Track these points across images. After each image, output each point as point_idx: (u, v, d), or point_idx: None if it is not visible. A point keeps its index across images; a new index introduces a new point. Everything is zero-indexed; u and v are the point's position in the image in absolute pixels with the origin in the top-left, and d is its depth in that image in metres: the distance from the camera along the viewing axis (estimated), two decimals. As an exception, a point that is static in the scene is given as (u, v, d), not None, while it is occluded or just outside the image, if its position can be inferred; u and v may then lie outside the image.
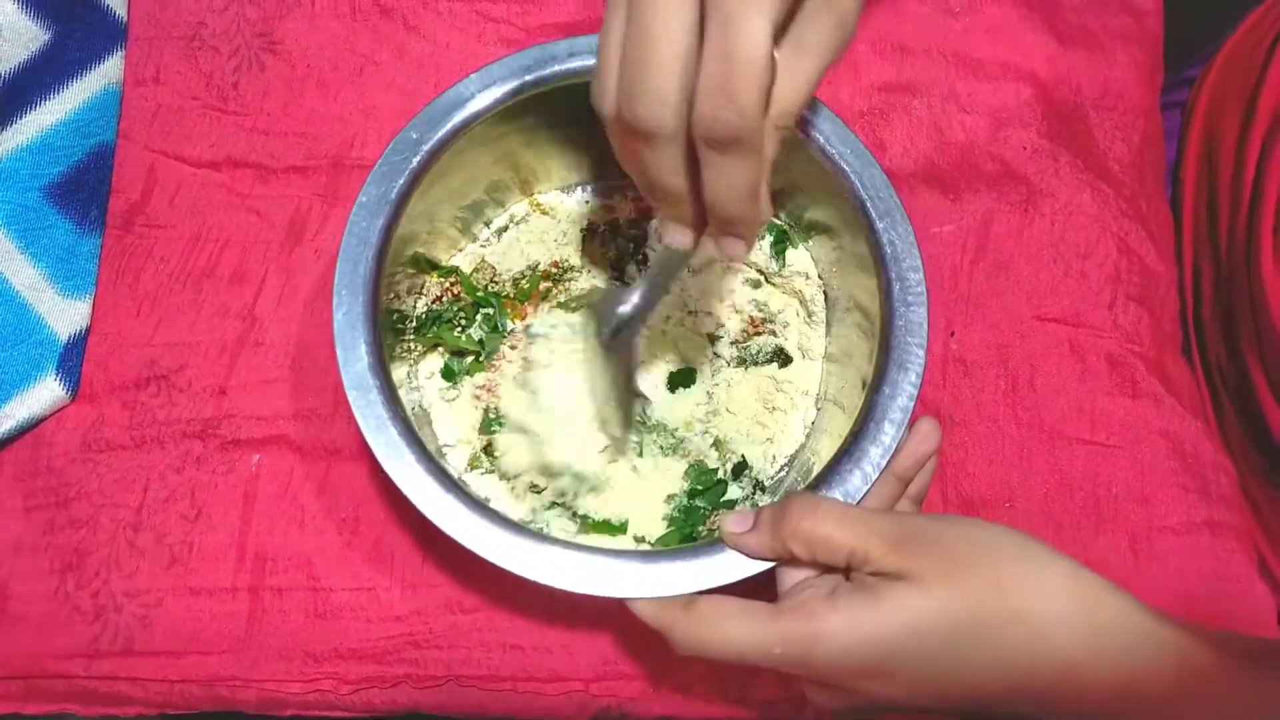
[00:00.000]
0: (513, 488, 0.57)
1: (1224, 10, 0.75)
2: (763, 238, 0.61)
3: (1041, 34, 0.71)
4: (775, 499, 0.57)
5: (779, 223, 0.62)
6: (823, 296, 0.61)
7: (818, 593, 0.43)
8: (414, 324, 0.59)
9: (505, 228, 0.62)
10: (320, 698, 0.57)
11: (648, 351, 0.60)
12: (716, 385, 0.60)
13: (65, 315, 0.60)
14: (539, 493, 0.57)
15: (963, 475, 0.62)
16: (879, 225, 0.53)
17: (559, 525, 0.57)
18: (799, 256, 0.62)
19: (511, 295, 0.61)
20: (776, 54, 0.38)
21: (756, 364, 0.61)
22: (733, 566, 0.47)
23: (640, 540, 0.57)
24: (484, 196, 0.60)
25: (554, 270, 0.61)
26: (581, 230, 0.62)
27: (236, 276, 0.62)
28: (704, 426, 0.59)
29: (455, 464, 0.58)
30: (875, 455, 0.49)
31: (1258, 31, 0.71)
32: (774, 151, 0.41)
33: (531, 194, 0.63)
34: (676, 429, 0.59)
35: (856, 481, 0.49)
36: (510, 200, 0.62)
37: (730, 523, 0.47)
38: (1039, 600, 0.41)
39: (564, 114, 0.55)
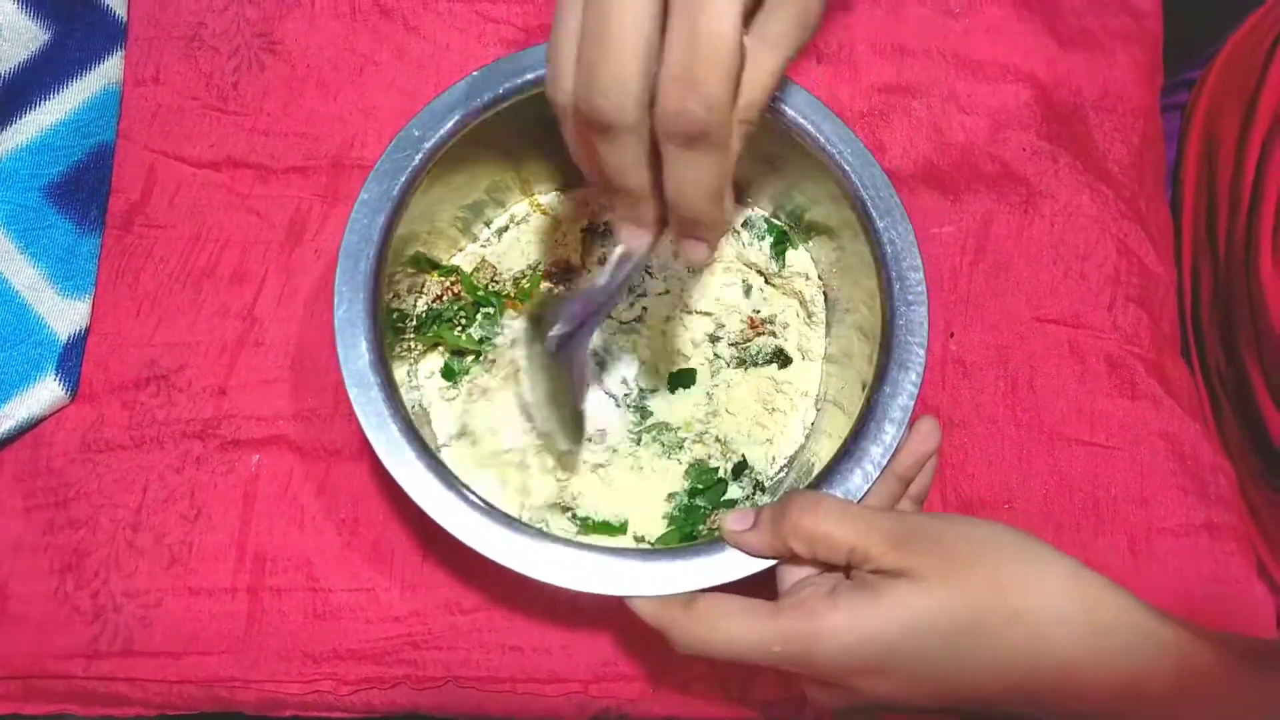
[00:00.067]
0: (507, 481, 0.57)
1: (1224, 12, 0.75)
2: (762, 238, 0.61)
3: (1041, 35, 0.71)
4: (775, 499, 0.57)
5: (779, 224, 0.62)
6: (822, 297, 0.61)
7: (818, 591, 0.43)
8: (414, 323, 0.59)
9: (506, 227, 0.62)
10: (319, 698, 0.57)
11: (648, 351, 0.60)
12: (716, 386, 0.60)
13: (65, 315, 0.60)
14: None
15: (962, 476, 0.62)
16: (879, 224, 0.53)
17: (558, 525, 0.57)
18: (799, 257, 0.62)
19: (512, 295, 0.61)
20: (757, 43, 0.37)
21: (756, 365, 0.61)
22: (733, 565, 0.47)
23: (640, 540, 0.57)
24: (484, 196, 0.60)
25: (555, 270, 0.61)
26: (581, 230, 0.62)
27: (236, 277, 0.62)
28: (704, 427, 0.60)
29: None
30: (876, 454, 0.49)
31: (1258, 33, 0.71)
32: (738, 148, 0.40)
33: (531, 194, 0.63)
34: (678, 428, 0.59)
35: (857, 480, 0.49)
36: (510, 200, 0.62)
37: (731, 521, 0.47)
38: (1039, 599, 0.41)
39: None
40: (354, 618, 0.57)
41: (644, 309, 0.61)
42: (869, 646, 0.41)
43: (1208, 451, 0.64)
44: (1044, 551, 0.43)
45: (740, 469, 0.59)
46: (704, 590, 0.46)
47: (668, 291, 0.61)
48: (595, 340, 0.60)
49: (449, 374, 0.59)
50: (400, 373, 0.55)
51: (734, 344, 0.61)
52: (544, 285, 0.61)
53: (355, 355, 0.49)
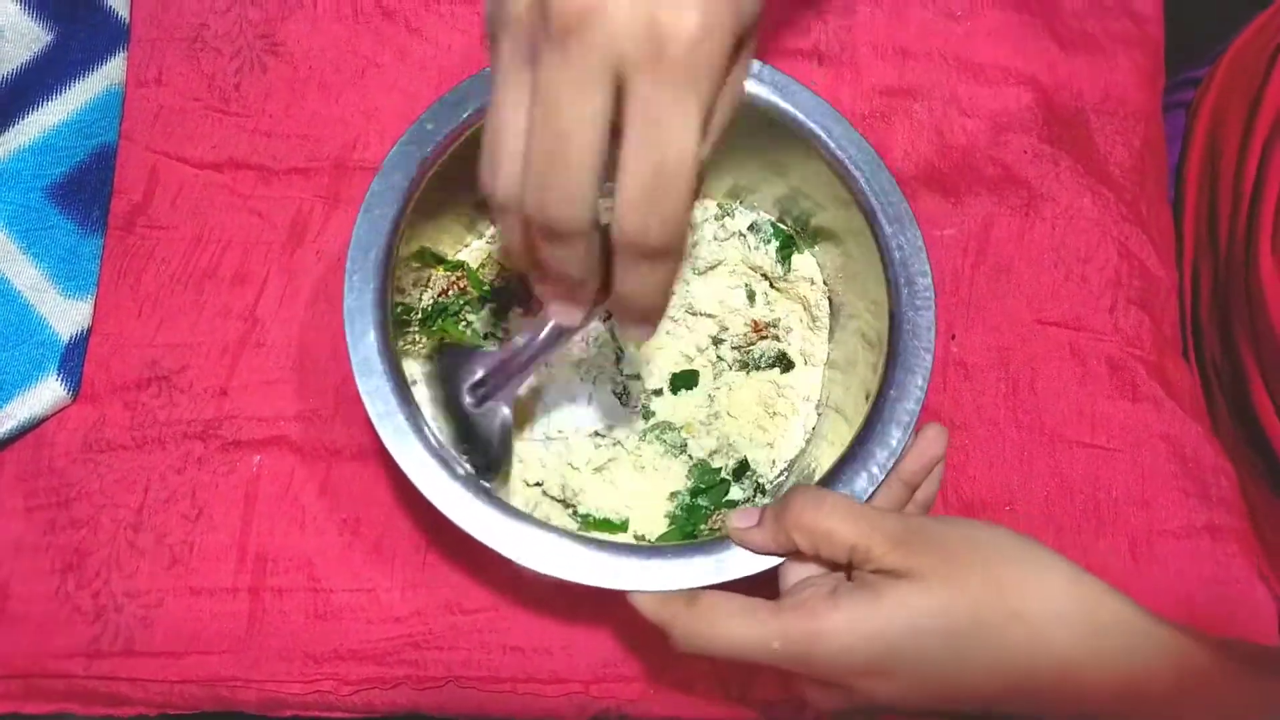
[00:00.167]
0: (515, 480, 0.57)
1: (1225, 16, 0.75)
2: (768, 242, 0.62)
3: (1042, 38, 0.71)
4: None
5: (785, 228, 0.62)
6: (827, 303, 0.61)
7: (819, 591, 0.43)
8: (419, 315, 0.59)
9: None
10: (320, 698, 0.57)
11: (651, 350, 0.60)
12: (718, 389, 0.60)
13: (67, 316, 0.60)
14: (538, 486, 0.57)
15: (963, 478, 0.63)
16: (888, 230, 0.53)
17: (559, 521, 0.57)
18: (804, 262, 0.62)
19: (518, 291, 0.60)
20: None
21: (758, 368, 0.61)
22: (739, 562, 0.47)
23: (640, 539, 0.57)
24: None
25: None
26: None
27: (238, 278, 0.62)
28: (705, 429, 0.60)
29: None
30: (881, 457, 0.49)
31: (1264, 35, 0.71)
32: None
33: None
34: (680, 429, 0.59)
35: (863, 483, 0.49)
36: None
37: (736, 519, 0.47)
38: (1039, 601, 0.41)
39: None
40: (355, 618, 0.57)
41: None
42: (870, 646, 0.41)
43: (1209, 453, 0.64)
44: (1044, 554, 0.43)
45: (742, 470, 0.59)
46: (709, 588, 0.46)
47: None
48: (602, 331, 0.60)
49: None
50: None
51: (737, 347, 0.61)
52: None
53: (363, 344, 0.49)
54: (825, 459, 0.53)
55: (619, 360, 0.60)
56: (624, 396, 0.59)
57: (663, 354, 0.60)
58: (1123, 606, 0.42)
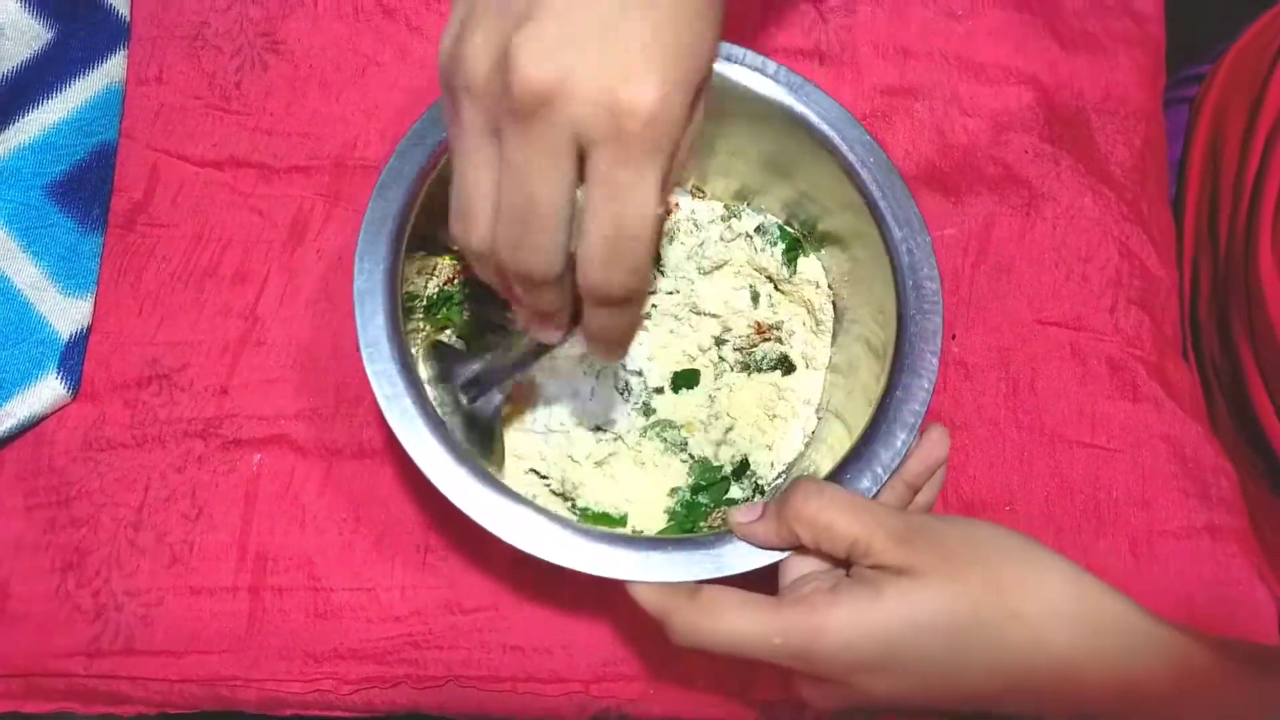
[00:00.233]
0: (516, 471, 0.57)
1: (1226, 15, 0.75)
2: (774, 244, 0.62)
3: (1043, 38, 0.71)
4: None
5: (792, 231, 0.62)
6: (831, 307, 0.61)
7: (820, 586, 0.43)
8: (424, 304, 0.59)
9: None
10: (320, 697, 0.57)
11: (654, 348, 0.60)
12: (719, 389, 0.60)
13: (67, 314, 0.60)
14: (542, 477, 0.57)
15: (963, 478, 0.63)
16: (898, 233, 0.53)
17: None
18: (810, 265, 0.62)
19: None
20: None
21: (760, 370, 0.61)
22: (739, 557, 0.47)
23: (638, 534, 0.57)
24: None
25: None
26: None
27: (239, 276, 0.62)
28: (705, 428, 0.60)
29: None
30: (886, 458, 0.49)
31: (1267, 34, 0.72)
32: None
33: None
34: (680, 427, 0.59)
35: (866, 483, 0.49)
36: None
37: (739, 514, 0.47)
38: (1039, 600, 0.41)
39: None
40: (355, 617, 0.57)
41: (653, 306, 0.61)
42: (870, 642, 0.41)
43: (1209, 454, 0.64)
44: (1044, 554, 0.43)
45: (742, 470, 0.59)
46: (711, 582, 0.45)
47: (676, 291, 0.61)
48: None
49: None
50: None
51: (739, 348, 0.61)
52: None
53: (372, 325, 0.49)
54: (824, 463, 0.53)
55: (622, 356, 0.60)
56: (626, 392, 0.59)
57: (665, 352, 0.60)
58: (1122, 606, 0.42)
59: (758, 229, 0.62)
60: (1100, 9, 0.73)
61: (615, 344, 0.42)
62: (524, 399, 0.58)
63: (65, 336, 0.60)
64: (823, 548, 0.44)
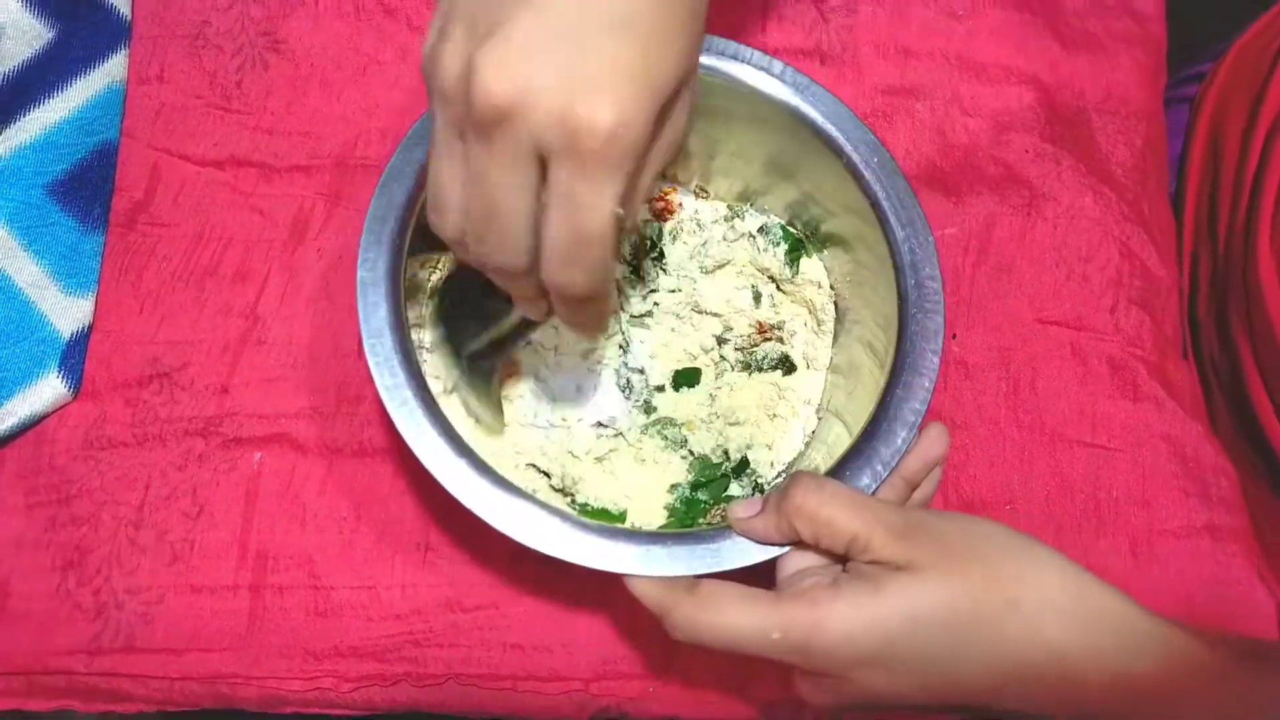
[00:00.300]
0: (516, 466, 0.57)
1: (1227, 15, 0.75)
2: (777, 244, 0.62)
3: (1044, 38, 0.71)
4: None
5: (795, 232, 0.62)
6: (833, 307, 0.61)
7: (820, 581, 0.43)
8: (425, 295, 0.58)
9: None
10: (320, 695, 0.57)
11: (656, 346, 0.60)
12: (719, 388, 0.60)
13: (68, 313, 0.60)
14: (542, 472, 0.57)
15: (963, 477, 0.63)
16: (900, 233, 0.53)
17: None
18: (812, 266, 0.62)
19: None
20: None
21: (761, 370, 0.61)
22: (738, 552, 0.47)
23: (638, 530, 0.57)
24: None
25: None
26: None
27: (239, 275, 0.62)
28: (706, 426, 0.60)
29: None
30: (886, 455, 0.49)
31: (1268, 33, 0.72)
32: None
33: None
34: (681, 425, 0.59)
35: (866, 480, 0.49)
36: None
37: (738, 509, 0.47)
38: (1035, 595, 0.41)
39: None
40: (355, 615, 0.57)
41: (655, 304, 0.61)
42: (870, 637, 0.41)
43: (1210, 453, 0.64)
44: (1041, 550, 0.43)
45: (742, 468, 0.59)
46: (704, 576, 0.45)
47: (679, 290, 0.61)
48: (611, 327, 0.60)
49: None
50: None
51: (740, 348, 0.61)
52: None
53: (375, 316, 0.49)
54: (824, 463, 0.53)
55: (625, 353, 0.60)
56: (627, 390, 0.60)
57: (667, 350, 0.61)
58: (1118, 602, 0.42)
59: (761, 229, 0.62)
60: (1101, 9, 0.73)
61: (588, 329, 0.45)
62: (527, 393, 0.58)
63: (66, 335, 0.60)
64: (822, 543, 0.44)
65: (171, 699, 0.57)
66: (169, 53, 0.66)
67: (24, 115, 0.63)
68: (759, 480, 0.59)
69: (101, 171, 0.63)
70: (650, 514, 0.58)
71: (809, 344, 0.61)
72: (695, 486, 0.58)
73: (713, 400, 0.60)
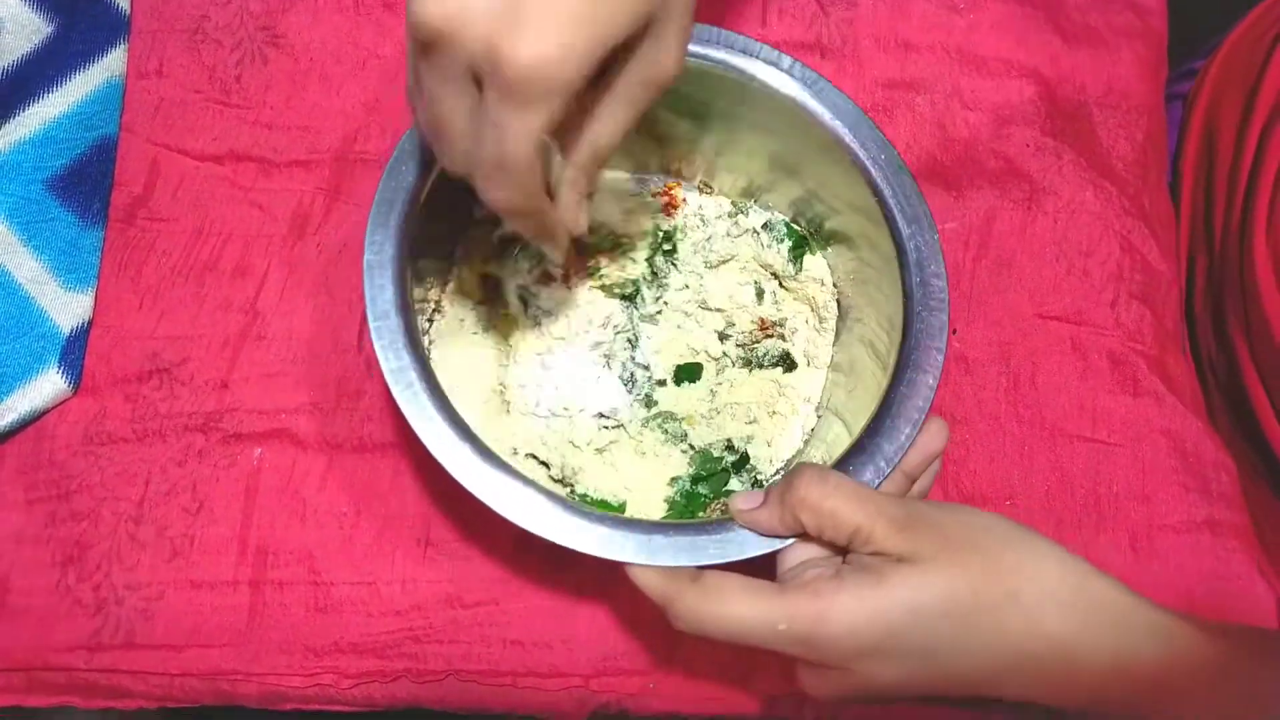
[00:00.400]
0: (515, 450, 0.57)
1: (1226, 8, 0.75)
2: (781, 241, 0.61)
3: (1045, 31, 0.71)
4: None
5: (799, 229, 0.62)
6: (835, 305, 0.61)
7: (823, 573, 0.43)
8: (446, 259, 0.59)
9: None
10: (320, 691, 0.57)
11: (661, 342, 0.60)
12: (720, 384, 0.60)
13: (67, 308, 0.60)
14: (542, 463, 0.57)
15: (964, 472, 0.63)
16: (906, 230, 0.53)
17: None
18: (815, 263, 0.62)
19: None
20: (602, 101, 0.42)
21: (761, 366, 0.61)
22: (745, 544, 0.46)
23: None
24: None
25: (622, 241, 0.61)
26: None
27: (239, 270, 0.62)
28: (706, 421, 0.60)
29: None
30: (890, 451, 0.49)
31: (1261, 25, 0.71)
32: (588, 187, 0.46)
33: None
34: (681, 419, 0.59)
35: (869, 475, 0.49)
36: None
37: (740, 501, 0.47)
38: (1035, 584, 0.42)
39: None
40: (355, 611, 0.57)
41: (665, 303, 0.61)
42: (873, 628, 0.41)
43: (1210, 448, 0.64)
44: (1040, 541, 0.43)
45: (742, 463, 0.59)
46: (712, 567, 0.45)
47: (687, 287, 0.61)
48: (621, 320, 0.60)
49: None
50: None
51: (742, 344, 0.61)
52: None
53: (381, 298, 0.49)
54: (823, 462, 0.53)
55: (633, 348, 0.60)
56: (630, 384, 0.59)
57: (671, 346, 0.60)
58: (1116, 592, 0.42)
59: (764, 225, 0.62)
60: (1102, 2, 0.73)
61: (542, 243, 0.49)
62: (529, 382, 0.58)
63: (66, 331, 0.60)
64: (825, 535, 0.44)
65: (171, 695, 0.57)
66: (168, 47, 0.66)
67: (23, 110, 0.63)
68: (758, 477, 0.59)
69: (101, 166, 0.63)
70: (650, 506, 0.58)
71: (810, 341, 0.61)
72: (696, 480, 0.58)
73: (713, 396, 0.60)
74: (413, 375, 0.48)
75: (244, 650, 0.56)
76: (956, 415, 0.63)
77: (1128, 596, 0.42)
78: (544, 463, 0.58)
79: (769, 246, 0.62)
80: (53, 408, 0.59)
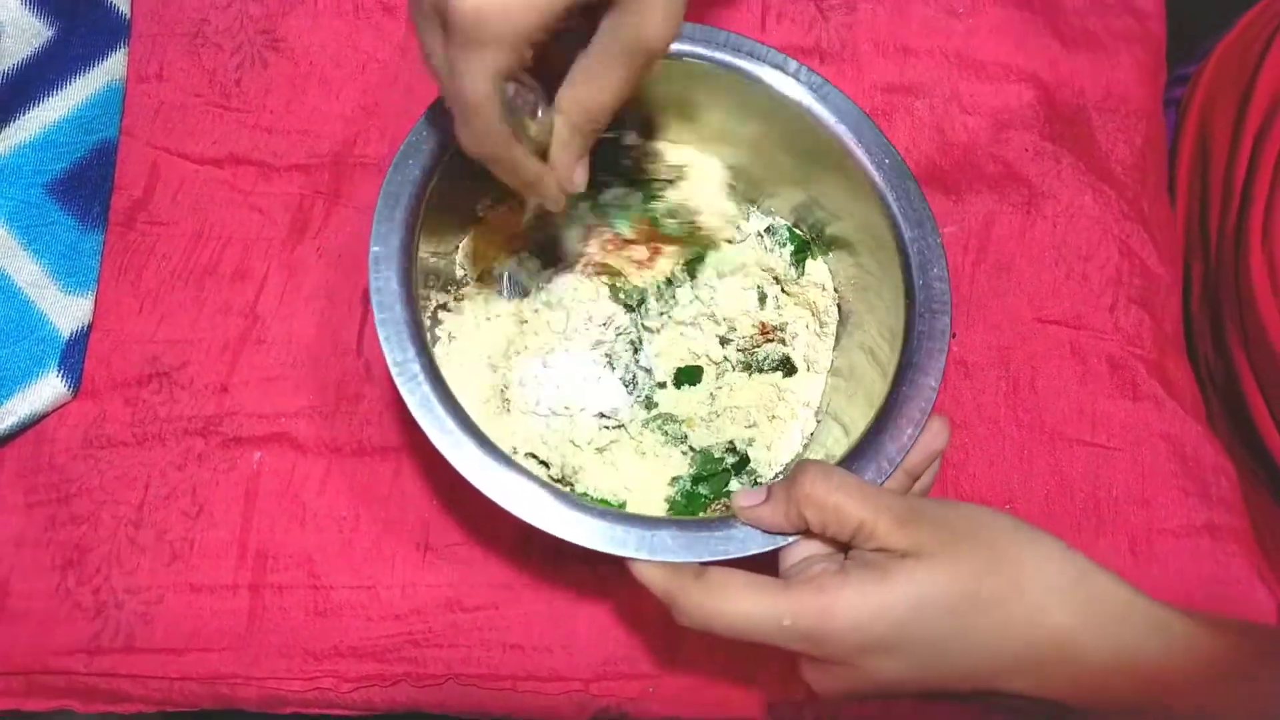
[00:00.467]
0: (514, 450, 0.57)
1: (1223, 11, 0.75)
2: (783, 245, 0.62)
3: (1044, 36, 0.71)
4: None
5: (801, 234, 0.62)
6: (836, 310, 0.61)
7: (827, 569, 0.43)
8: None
9: None
10: (320, 695, 0.57)
11: (663, 345, 0.60)
12: (720, 387, 0.60)
13: (67, 312, 0.60)
14: (542, 463, 0.57)
15: (963, 476, 0.63)
16: (909, 234, 0.53)
17: None
18: (817, 268, 0.62)
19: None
20: (582, 61, 0.43)
21: (761, 370, 0.61)
22: (749, 540, 0.46)
23: None
24: None
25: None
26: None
27: (239, 274, 0.62)
28: (706, 424, 0.60)
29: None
30: (892, 451, 0.49)
31: (1253, 30, 0.71)
32: (583, 147, 0.47)
33: None
34: (682, 421, 0.59)
35: (871, 474, 0.49)
36: None
37: (743, 498, 0.47)
38: (1037, 577, 0.42)
39: None
40: (355, 615, 0.57)
41: (669, 318, 0.61)
42: (877, 624, 0.41)
43: (1209, 452, 0.64)
44: (1041, 535, 0.44)
45: (742, 464, 0.59)
46: (717, 564, 0.45)
47: (697, 299, 0.61)
48: (624, 322, 0.60)
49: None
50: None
51: (742, 349, 0.61)
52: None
53: (387, 290, 0.48)
54: (824, 466, 0.53)
55: (636, 351, 0.60)
56: (631, 386, 0.60)
57: (672, 349, 0.60)
58: (1116, 585, 0.43)
59: (767, 229, 0.62)
60: (1101, 7, 0.73)
61: (530, 194, 0.48)
62: (529, 380, 0.58)
63: (66, 334, 0.60)
64: (829, 531, 0.44)
65: (171, 699, 0.57)
66: (168, 51, 0.66)
67: (23, 114, 0.63)
68: (758, 480, 0.59)
69: (101, 170, 0.63)
70: (650, 506, 0.58)
71: (810, 346, 0.61)
72: (696, 480, 0.58)
73: (713, 399, 0.60)
74: (416, 368, 0.48)
75: (243, 654, 0.56)
76: (956, 419, 0.63)
77: (1131, 593, 0.42)
78: (544, 462, 0.58)
79: (771, 250, 0.62)
80: (52, 411, 0.59)
